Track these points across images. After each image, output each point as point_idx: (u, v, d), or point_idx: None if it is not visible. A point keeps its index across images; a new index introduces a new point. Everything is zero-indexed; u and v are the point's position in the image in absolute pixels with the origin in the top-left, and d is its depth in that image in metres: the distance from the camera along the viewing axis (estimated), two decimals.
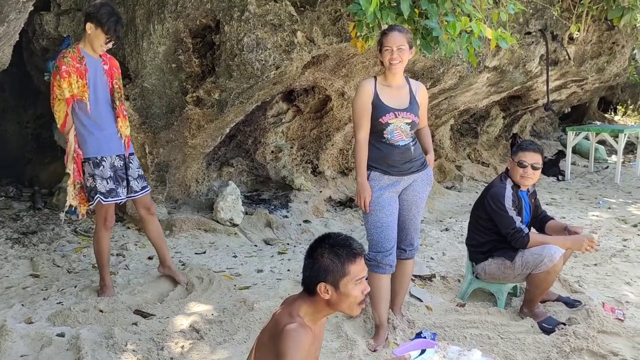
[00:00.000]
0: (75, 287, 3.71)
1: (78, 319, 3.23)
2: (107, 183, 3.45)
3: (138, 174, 3.64)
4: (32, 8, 3.12)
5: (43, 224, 4.88)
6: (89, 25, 3.37)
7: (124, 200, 3.60)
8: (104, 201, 3.45)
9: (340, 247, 1.93)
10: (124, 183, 3.54)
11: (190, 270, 4.06)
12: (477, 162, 8.68)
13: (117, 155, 3.52)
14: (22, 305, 3.41)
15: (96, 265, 3.75)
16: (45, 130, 5.95)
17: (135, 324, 3.22)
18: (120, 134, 3.53)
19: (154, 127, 4.86)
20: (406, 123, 3.19)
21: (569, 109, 12.28)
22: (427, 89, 5.99)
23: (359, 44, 4.17)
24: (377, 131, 3.18)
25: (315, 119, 6.18)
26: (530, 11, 6.64)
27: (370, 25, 3.97)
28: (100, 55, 3.50)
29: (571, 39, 7.43)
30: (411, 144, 3.24)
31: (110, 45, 3.45)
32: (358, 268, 1.93)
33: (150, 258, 4.30)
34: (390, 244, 3.21)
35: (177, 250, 4.65)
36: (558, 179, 8.57)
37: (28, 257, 4.23)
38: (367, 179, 3.18)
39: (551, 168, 8.77)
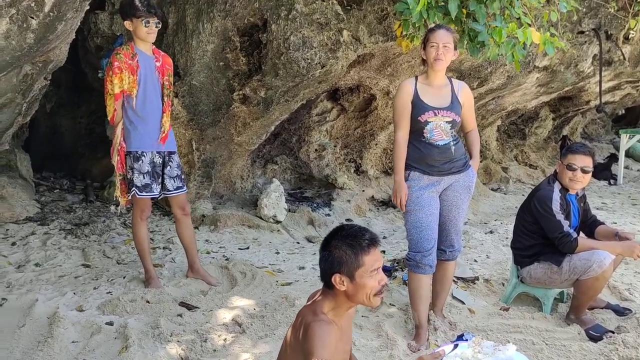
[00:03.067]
0: (124, 277, 3.83)
1: (126, 309, 3.34)
2: (144, 178, 3.54)
3: (176, 174, 3.71)
4: (88, 7, 3.25)
5: (95, 216, 5.06)
6: (126, 23, 3.49)
7: (158, 197, 3.70)
8: (139, 195, 3.56)
9: (354, 238, 1.91)
10: (159, 180, 3.63)
11: (233, 265, 4.13)
12: (525, 164, 8.48)
13: (157, 152, 3.61)
14: (74, 293, 3.55)
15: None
16: (98, 126, 6.16)
17: (180, 315, 3.31)
18: (164, 129, 3.61)
19: (201, 124, 4.97)
20: (446, 122, 3.16)
21: (623, 111, 11.85)
22: (474, 88, 5.93)
23: (404, 43, 4.15)
24: (416, 130, 3.16)
25: (359, 118, 6.18)
26: (584, 10, 6.44)
27: (417, 25, 3.95)
28: (154, 53, 3.60)
29: (626, 38, 7.16)
30: (452, 143, 3.20)
31: (153, 26, 3.48)
32: (372, 258, 1.90)
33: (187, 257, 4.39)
34: (430, 244, 3.19)
35: (222, 245, 4.74)
36: (610, 183, 8.29)
37: (80, 248, 4.39)
38: (407, 179, 3.17)
39: (602, 172, 8.49)
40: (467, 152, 3.35)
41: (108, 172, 5.72)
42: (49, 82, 4.62)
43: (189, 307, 3.43)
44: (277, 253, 4.68)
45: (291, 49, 4.33)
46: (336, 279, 1.91)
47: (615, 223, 5.80)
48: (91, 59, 5.62)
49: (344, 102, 5.99)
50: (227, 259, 4.38)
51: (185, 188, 3.82)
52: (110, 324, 3.14)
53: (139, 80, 3.48)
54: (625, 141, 8.38)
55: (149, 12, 3.44)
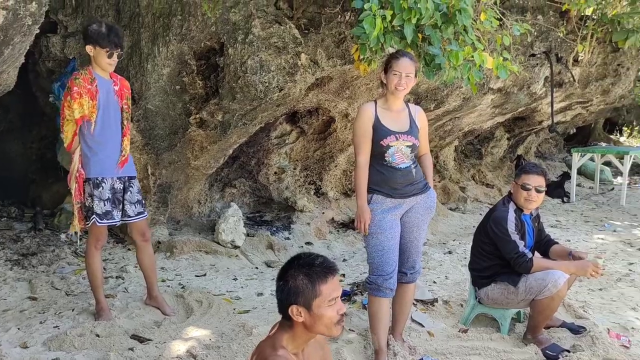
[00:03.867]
0: (73, 310, 3.67)
1: (74, 344, 3.19)
2: (104, 205, 3.45)
3: (137, 199, 3.63)
4: (37, 31, 3.15)
5: (43, 245, 4.85)
6: (88, 48, 3.40)
7: (118, 223, 3.60)
8: (99, 222, 3.45)
9: (311, 267, 1.86)
10: (120, 206, 3.54)
11: (189, 293, 4.02)
12: (482, 183, 8.64)
13: (117, 178, 3.53)
14: (18, 329, 3.37)
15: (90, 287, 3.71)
16: (49, 151, 5.96)
17: (132, 349, 3.17)
18: (124, 153, 3.54)
19: (157, 149, 4.87)
20: (407, 146, 3.20)
21: (574, 130, 12.26)
22: (431, 110, 6.02)
23: (361, 67, 4.17)
24: (378, 154, 3.17)
25: (318, 140, 6.18)
26: (535, 33, 6.65)
27: (374, 49, 3.98)
28: (111, 77, 3.53)
29: (576, 60, 7.43)
30: (412, 166, 3.24)
31: (115, 57, 3.43)
32: (330, 288, 1.85)
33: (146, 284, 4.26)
34: (391, 267, 3.19)
35: (178, 273, 4.62)
36: (563, 201, 8.51)
37: (27, 279, 4.20)
38: (369, 202, 3.16)
39: (556, 190, 8.72)
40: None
41: (59, 198, 5.55)
42: None
43: (141, 340, 3.30)
44: (235, 279, 4.58)
45: (248, 72, 4.30)
46: (293, 310, 1.87)
47: (569, 240, 5.94)
48: (42, 83, 5.46)
49: (303, 124, 5.98)
50: (183, 287, 4.26)
51: (145, 213, 3.73)
52: None
53: (98, 105, 3.41)
54: (577, 159, 8.63)
55: (115, 45, 3.39)
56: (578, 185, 9.19)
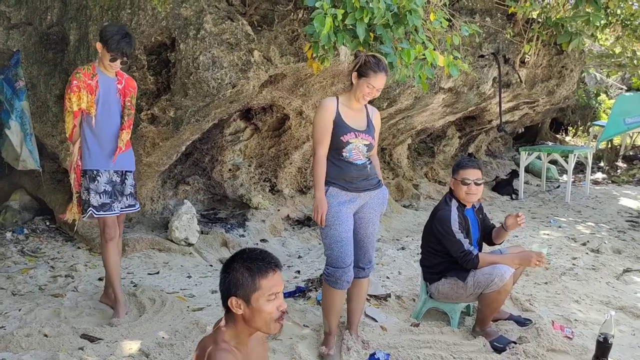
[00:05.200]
0: (20, 310, 3.57)
1: (21, 345, 3.10)
2: (101, 197, 3.54)
3: (129, 192, 3.73)
4: None
5: None
6: (98, 45, 3.53)
7: (118, 214, 3.66)
8: (96, 214, 3.55)
9: (252, 261, 1.88)
10: (120, 198, 3.65)
11: (142, 291, 3.96)
12: (434, 180, 8.82)
13: (114, 171, 3.62)
14: None
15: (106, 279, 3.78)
16: None
17: (82, 348, 3.11)
18: (120, 146, 3.62)
19: None
20: (364, 144, 3.27)
21: (523, 130, 12.66)
22: (384, 109, 6.11)
23: (314, 65, 4.20)
24: (336, 148, 3.21)
25: (273, 138, 6.17)
26: (484, 35, 6.84)
27: (326, 47, 4.02)
28: (117, 74, 3.63)
29: (523, 62, 7.68)
30: (367, 163, 3.33)
31: (118, 63, 3.55)
32: (270, 283, 1.87)
33: (100, 279, 4.17)
34: (350, 259, 3.24)
35: (130, 271, 4.54)
36: (512, 198, 8.78)
37: None
38: (325, 194, 3.20)
39: (505, 187, 8.99)
40: None
41: (4, 196, 5.37)
42: None
43: (92, 339, 3.24)
44: (189, 277, 4.54)
45: (200, 68, 4.26)
46: (232, 302, 1.88)
47: (517, 236, 6.14)
48: None
49: (257, 121, 5.97)
50: (135, 285, 4.19)
51: (137, 206, 3.84)
52: None
53: (97, 100, 3.51)
54: (525, 158, 8.92)
55: (122, 54, 3.50)
56: (526, 183, 9.49)
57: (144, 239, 4.91)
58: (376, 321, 3.79)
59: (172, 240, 5.03)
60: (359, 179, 3.26)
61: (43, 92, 4.86)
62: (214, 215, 5.83)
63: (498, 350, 3.41)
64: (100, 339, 3.25)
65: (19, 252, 4.58)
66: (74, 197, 3.63)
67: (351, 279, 3.29)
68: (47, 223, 5.15)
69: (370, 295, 4.11)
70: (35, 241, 4.77)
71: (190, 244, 5.06)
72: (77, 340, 3.23)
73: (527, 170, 10.28)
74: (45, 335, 3.24)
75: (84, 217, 3.59)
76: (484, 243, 3.85)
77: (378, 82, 3.18)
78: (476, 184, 3.61)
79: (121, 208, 3.68)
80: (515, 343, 3.48)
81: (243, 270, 1.87)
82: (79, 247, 4.72)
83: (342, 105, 3.25)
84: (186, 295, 4.10)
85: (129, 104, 3.68)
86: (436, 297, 3.78)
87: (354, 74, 3.22)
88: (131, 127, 3.74)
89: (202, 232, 5.27)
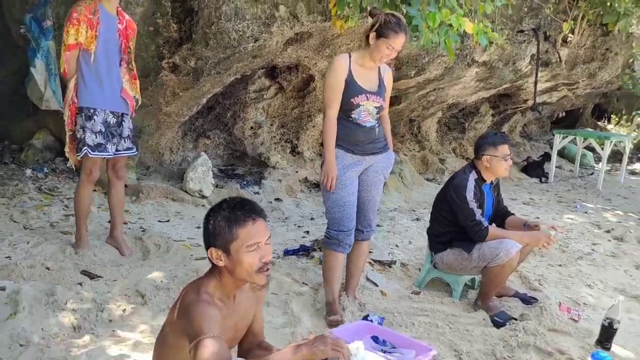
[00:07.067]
0: (28, 243, 3.65)
1: (23, 274, 3.18)
2: (96, 137, 3.48)
3: (127, 134, 3.68)
4: None
5: (7, 178, 4.80)
6: None
7: (112, 156, 3.63)
8: (91, 154, 3.49)
9: (232, 210, 1.80)
10: (115, 140, 3.58)
11: (149, 236, 4.01)
12: (462, 157, 8.63)
13: (111, 112, 3.55)
14: None
15: (73, 218, 3.79)
16: (23, 86, 5.84)
17: (81, 284, 3.16)
18: (125, 94, 3.59)
19: None
20: (375, 107, 3.18)
21: (563, 114, 12.23)
22: (412, 77, 5.96)
23: (338, 23, 4.10)
24: (345, 110, 3.13)
25: (297, 98, 6.11)
26: (525, 9, 6.56)
27: (351, 5, 3.91)
28: (118, 14, 3.55)
29: (564, 41, 7.37)
30: (376, 125, 3.24)
31: None
32: (250, 233, 1.78)
33: (109, 221, 4.23)
34: (352, 223, 3.20)
35: (141, 217, 4.60)
36: (541, 181, 8.55)
37: None
38: None
39: (535, 169, 8.76)
40: None
41: (28, 134, 5.47)
42: None
43: (91, 276, 3.30)
44: (198, 227, 4.56)
45: (222, 19, 4.20)
46: (212, 252, 1.82)
47: (539, 218, 5.98)
48: (15, 14, 5.31)
49: (282, 80, 5.91)
50: (143, 231, 4.25)
51: (134, 151, 3.80)
52: (2, 289, 2.97)
53: (97, 37, 3.41)
54: (559, 141, 8.63)
55: None
56: (558, 167, 9.22)
57: (159, 188, 4.96)
58: (377, 286, 3.76)
59: (186, 191, 5.07)
60: (366, 142, 3.18)
61: None
62: (231, 171, 5.84)
63: (497, 325, 3.34)
64: (100, 277, 3.31)
65: (36, 189, 4.68)
66: (67, 136, 3.55)
67: (352, 243, 3.25)
68: (67, 164, 5.23)
69: (375, 260, 4.07)
70: (54, 180, 4.86)
71: (204, 197, 5.09)
72: (77, 275, 3.29)
73: (562, 155, 9.97)
74: (48, 269, 3.31)
75: (78, 155, 3.51)
76: (494, 225, 3.74)
77: (398, 43, 3.05)
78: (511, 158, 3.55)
79: (119, 150, 3.63)
80: (516, 319, 3.41)
81: (221, 219, 1.80)
82: (94, 190, 4.76)
83: (355, 64, 3.14)
84: (192, 244, 4.13)
85: (130, 49, 3.61)
86: (440, 267, 3.71)
87: (372, 34, 3.07)
88: (137, 76, 3.70)
89: (217, 186, 5.29)
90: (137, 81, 3.73)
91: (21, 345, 2.52)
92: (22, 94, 5.78)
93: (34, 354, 2.47)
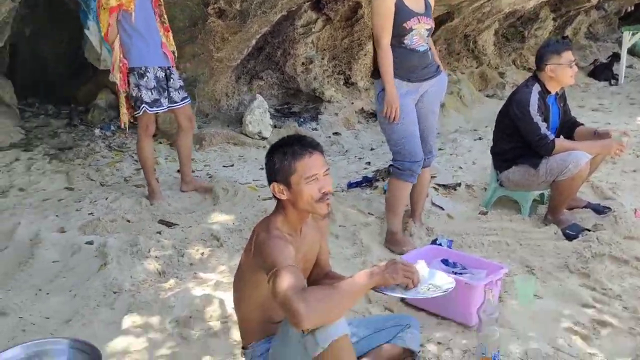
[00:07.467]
0: (107, 199, 3.88)
1: (107, 228, 3.40)
2: (152, 93, 3.61)
3: (179, 85, 3.80)
4: None
5: (79, 140, 5.05)
6: None
7: (166, 109, 3.77)
8: (150, 110, 3.65)
9: (289, 146, 1.89)
10: (165, 94, 3.71)
11: (216, 182, 4.16)
12: (523, 67, 8.24)
13: (159, 67, 3.66)
14: (57, 216, 3.61)
15: (142, 171, 3.99)
16: (80, 50, 6.01)
17: (160, 232, 3.36)
18: (165, 49, 3.68)
19: (178, 42, 4.75)
20: (426, 29, 3.09)
21: (632, 8, 11.34)
22: None
23: None
24: (397, 36, 3.05)
25: (346, 28, 5.97)
26: None
27: None
28: None
29: None
30: (428, 49, 3.15)
31: None
32: (307, 165, 1.86)
33: (178, 171, 4.40)
34: (421, 152, 3.17)
35: (206, 164, 4.76)
36: (610, 84, 8.08)
37: (64, 172, 4.42)
38: None
39: (603, 72, 8.27)
40: None
41: (92, 96, 5.68)
42: (17, 3, 4.49)
43: (169, 225, 3.49)
44: (262, 169, 4.60)
45: None
46: (274, 187, 1.90)
47: (609, 123, 5.71)
48: None
49: (328, 11, 5.76)
50: (210, 177, 4.40)
51: (189, 99, 3.92)
52: (90, 243, 3.21)
53: None
54: (629, 38, 8.06)
55: None
56: (629, 67, 8.63)
57: (220, 134, 5.08)
58: (443, 209, 3.76)
59: (246, 135, 5.16)
60: (420, 68, 3.11)
61: None
62: (287, 110, 5.88)
63: (570, 238, 3.29)
64: (176, 224, 3.49)
65: (107, 147, 4.91)
66: (122, 98, 3.68)
67: (420, 170, 3.24)
68: (132, 120, 5.43)
69: (439, 185, 4.06)
70: (121, 137, 5.07)
71: (264, 138, 5.18)
72: (155, 225, 3.49)
73: (633, 53, 9.30)
74: (128, 221, 3.53)
75: (137, 114, 3.65)
76: (561, 137, 3.60)
77: None
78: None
79: (175, 102, 3.75)
80: (589, 230, 3.35)
81: (279, 155, 1.89)
82: (160, 142, 4.97)
83: None
84: (258, 185, 4.25)
85: (160, 2, 3.68)
86: (507, 186, 3.66)
87: None
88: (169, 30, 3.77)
89: (275, 127, 5.36)
90: (170, 33, 3.79)
91: (114, 293, 2.73)
92: (80, 57, 5.97)
93: (127, 299, 2.68)
